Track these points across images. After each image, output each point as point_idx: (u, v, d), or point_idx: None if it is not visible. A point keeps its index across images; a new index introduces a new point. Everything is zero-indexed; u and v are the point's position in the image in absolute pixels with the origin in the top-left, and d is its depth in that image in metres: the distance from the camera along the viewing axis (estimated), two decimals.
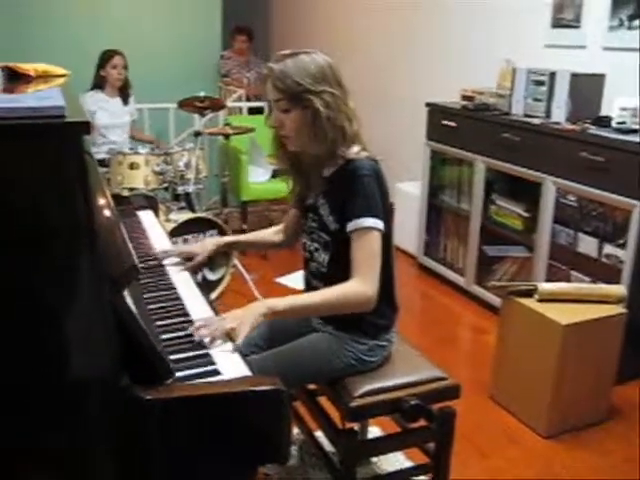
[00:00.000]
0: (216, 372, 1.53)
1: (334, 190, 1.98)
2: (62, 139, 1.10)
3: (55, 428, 1.26)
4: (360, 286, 1.89)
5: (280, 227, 2.38)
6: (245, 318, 1.79)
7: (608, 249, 3.32)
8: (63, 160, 1.10)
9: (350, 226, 1.90)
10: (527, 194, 3.87)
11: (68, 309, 1.22)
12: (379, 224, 1.90)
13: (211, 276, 4.04)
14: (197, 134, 4.37)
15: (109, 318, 1.25)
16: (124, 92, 4.82)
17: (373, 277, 1.90)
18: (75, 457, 1.28)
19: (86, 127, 1.10)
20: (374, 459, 2.61)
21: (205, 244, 2.34)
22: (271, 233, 2.39)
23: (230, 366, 1.56)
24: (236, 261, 4.19)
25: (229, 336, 1.74)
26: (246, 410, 1.38)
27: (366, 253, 1.91)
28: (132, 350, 1.32)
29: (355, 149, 1.97)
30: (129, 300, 1.36)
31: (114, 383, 1.26)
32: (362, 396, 2.01)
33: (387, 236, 1.98)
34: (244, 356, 1.68)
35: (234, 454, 1.40)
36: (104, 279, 1.23)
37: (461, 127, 4.26)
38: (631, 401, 3.17)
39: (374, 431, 2.67)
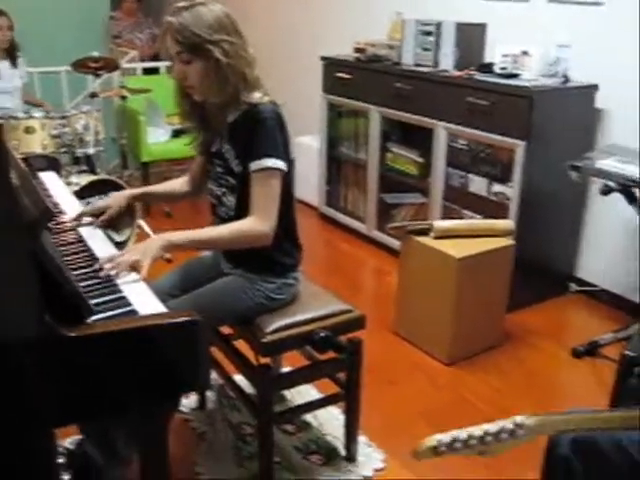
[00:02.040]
0: (133, 312, 1.59)
1: (238, 134, 2.06)
2: None
3: None
4: (257, 223, 2.01)
5: (186, 178, 2.43)
6: (146, 250, 1.89)
7: (496, 187, 3.55)
8: None
9: (252, 166, 2.00)
10: (421, 141, 4.05)
11: None
12: (280, 164, 2.00)
13: (117, 237, 4.01)
14: (93, 95, 4.32)
15: (29, 261, 1.29)
16: (12, 54, 4.68)
17: (270, 215, 2.02)
18: (2, 395, 1.33)
19: None
20: (288, 396, 2.75)
21: (116, 197, 2.33)
22: (178, 184, 2.44)
23: (147, 307, 1.63)
24: (141, 221, 4.21)
25: (133, 269, 1.82)
26: (165, 341, 1.46)
27: (265, 192, 2.01)
28: (53, 293, 1.37)
29: (257, 95, 2.04)
30: (46, 246, 1.41)
31: (37, 323, 1.31)
32: (274, 332, 2.13)
33: (288, 177, 2.09)
34: None
35: (157, 384, 1.48)
36: (21, 223, 1.28)
37: (355, 79, 4.38)
38: (522, 326, 3.44)
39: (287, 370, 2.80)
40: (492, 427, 1.29)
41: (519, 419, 1.29)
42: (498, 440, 1.29)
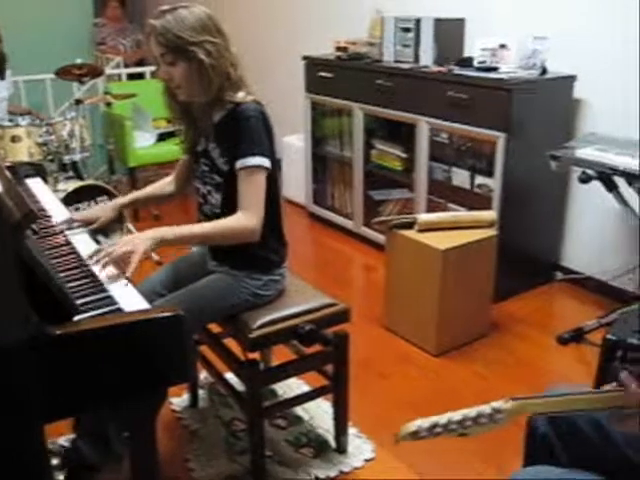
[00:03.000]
0: (119, 310, 1.63)
1: (223, 133, 2.11)
2: None
3: None
4: (244, 219, 2.05)
5: (171, 178, 2.48)
6: (136, 243, 1.93)
7: (479, 180, 3.60)
8: None
9: (237, 165, 2.05)
10: (404, 136, 4.10)
11: None
12: (265, 162, 2.05)
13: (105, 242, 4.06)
14: (78, 102, 4.34)
15: (14, 263, 1.33)
16: (0, 66, 4.69)
17: (257, 211, 2.06)
18: None
19: None
20: (279, 391, 2.79)
21: (105, 208, 2.39)
22: (164, 185, 2.49)
23: (132, 305, 1.66)
24: (130, 225, 4.24)
25: (122, 265, 1.86)
26: (149, 336, 1.49)
27: (251, 189, 2.06)
28: (39, 293, 1.41)
29: (241, 94, 2.09)
30: (31, 248, 1.45)
31: (24, 322, 1.35)
32: (259, 327, 2.16)
33: (274, 174, 2.13)
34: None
35: (143, 377, 1.52)
36: (5, 225, 1.32)
37: (337, 78, 4.42)
38: (508, 315, 3.49)
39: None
40: (471, 412, 1.33)
41: (496, 404, 1.34)
42: (477, 424, 1.33)
